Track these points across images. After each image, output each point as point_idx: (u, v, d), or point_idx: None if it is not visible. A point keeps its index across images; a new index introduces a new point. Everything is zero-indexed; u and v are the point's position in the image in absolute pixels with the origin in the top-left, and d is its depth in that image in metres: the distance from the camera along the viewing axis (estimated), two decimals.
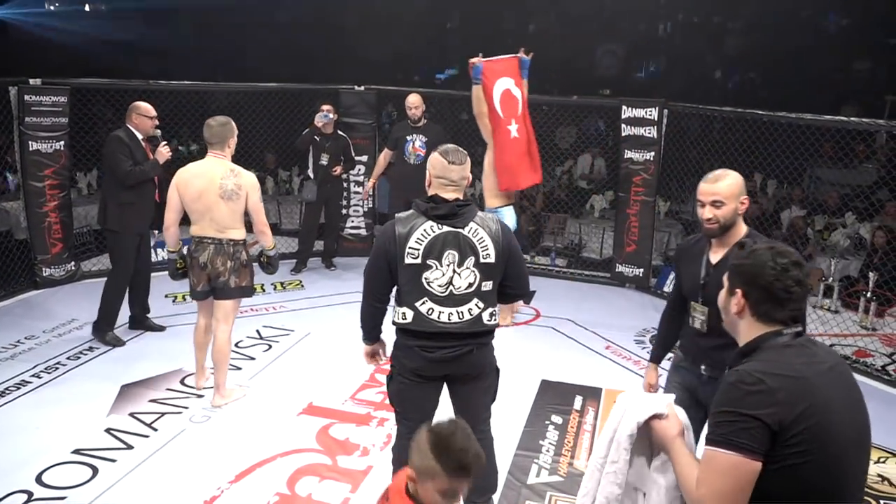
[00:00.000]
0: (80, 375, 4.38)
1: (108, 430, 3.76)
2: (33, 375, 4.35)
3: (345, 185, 6.93)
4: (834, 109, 8.89)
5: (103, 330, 4.81)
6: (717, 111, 6.04)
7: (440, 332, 2.66)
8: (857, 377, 1.71)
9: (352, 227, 7.18)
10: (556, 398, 4.28)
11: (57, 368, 4.45)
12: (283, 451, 3.54)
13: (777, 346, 1.58)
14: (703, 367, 2.61)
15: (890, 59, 12.03)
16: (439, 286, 2.65)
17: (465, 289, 2.66)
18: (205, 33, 12.74)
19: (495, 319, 2.74)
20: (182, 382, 4.32)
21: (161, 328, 5.10)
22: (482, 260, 2.66)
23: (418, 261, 2.63)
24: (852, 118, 5.37)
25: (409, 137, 6.02)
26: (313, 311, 5.63)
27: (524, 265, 2.83)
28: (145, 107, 4.73)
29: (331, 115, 6.26)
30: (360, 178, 7.02)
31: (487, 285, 2.69)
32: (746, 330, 1.64)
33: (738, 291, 1.64)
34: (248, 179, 3.88)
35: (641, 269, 6.32)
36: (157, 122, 4.78)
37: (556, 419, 4.05)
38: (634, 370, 4.72)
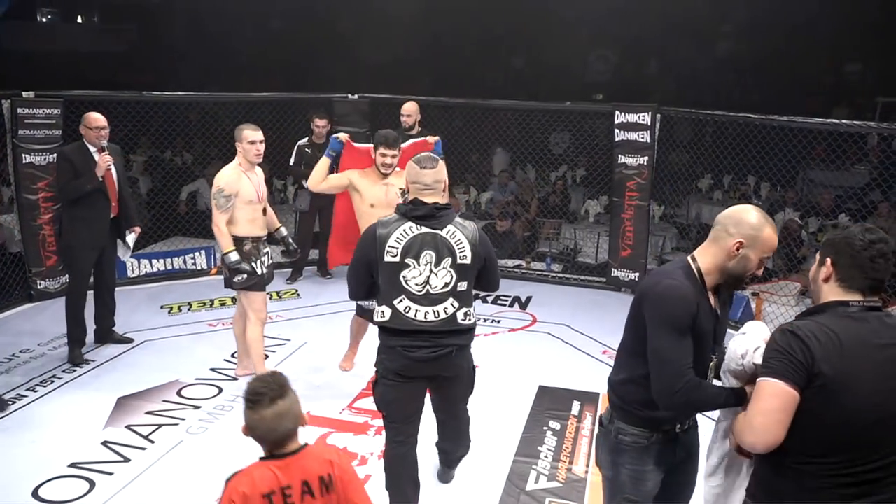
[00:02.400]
0: (75, 388, 4.37)
1: (104, 443, 3.75)
2: (28, 389, 4.33)
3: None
4: (825, 112, 8.96)
5: (71, 347, 4.76)
6: (709, 115, 6.07)
7: (417, 331, 2.77)
8: None
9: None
10: (553, 404, 4.29)
11: (52, 382, 4.44)
12: None
13: (837, 314, 1.79)
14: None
15: (880, 62, 12.12)
16: (416, 285, 2.77)
17: (441, 288, 2.78)
18: (197, 43, 12.75)
19: (470, 319, 2.85)
20: (179, 394, 4.31)
21: (128, 340, 5.02)
22: (459, 261, 2.79)
23: (397, 259, 2.76)
24: (844, 120, 5.41)
25: (402, 145, 6.02)
26: (310, 321, 5.63)
27: (497, 269, 3.00)
28: (91, 118, 4.63)
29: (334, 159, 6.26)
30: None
31: (462, 286, 2.81)
32: (826, 294, 1.86)
33: (828, 260, 1.85)
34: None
35: (637, 274, 6.34)
36: (104, 133, 4.62)
37: (554, 425, 4.05)
38: None
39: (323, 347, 5.05)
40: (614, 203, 6.48)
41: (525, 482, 3.49)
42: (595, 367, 4.84)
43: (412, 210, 2.81)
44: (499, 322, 5.70)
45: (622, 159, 6.26)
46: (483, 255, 2.85)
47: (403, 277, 2.76)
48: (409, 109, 6.03)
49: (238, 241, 4.08)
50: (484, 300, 6.14)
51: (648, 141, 6.10)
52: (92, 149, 4.62)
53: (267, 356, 4.88)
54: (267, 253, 4.24)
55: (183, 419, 4.01)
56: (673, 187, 7.50)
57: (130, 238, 4.85)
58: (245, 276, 4.05)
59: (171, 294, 6.08)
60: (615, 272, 6.49)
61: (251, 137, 4.08)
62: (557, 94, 10.10)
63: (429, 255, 2.77)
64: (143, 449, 3.70)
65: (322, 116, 6.38)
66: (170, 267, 6.55)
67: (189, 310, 5.75)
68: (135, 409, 4.12)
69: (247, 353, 4.43)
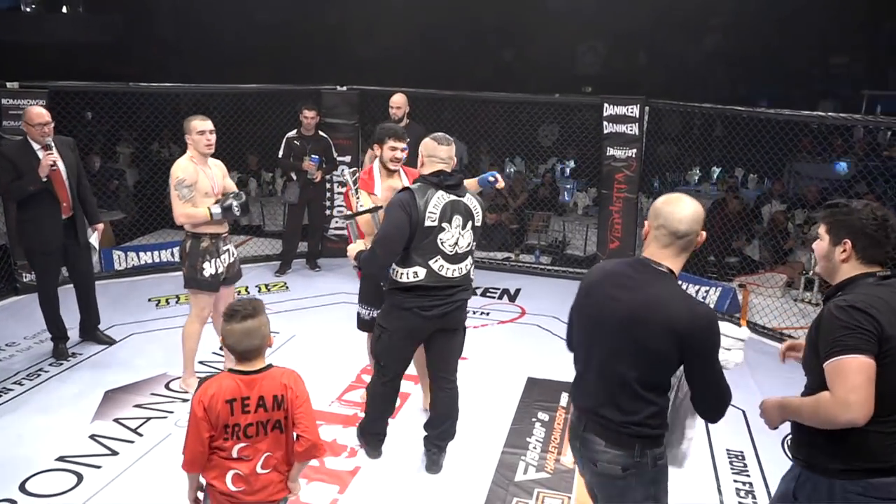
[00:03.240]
0: (62, 382, 4.34)
1: (92, 437, 3.73)
2: (15, 383, 4.30)
3: (328, 185, 6.91)
4: (812, 105, 9.01)
5: (54, 343, 4.70)
6: (697, 107, 6.09)
7: (445, 286, 3.15)
8: None
9: (336, 228, 7.16)
10: (542, 395, 4.31)
11: (39, 375, 4.41)
12: None
13: (868, 283, 1.98)
14: None
15: (866, 55, 12.20)
16: (449, 246, 3.14)
17: (466, 248, 3.20)
18: (185, 34, 12.63)
19: (474, 275, 3.33)
20: (167, 387, 4.29)
21: (110, 341, 4.89)
22: (476, 224, 3.22)
23: (435, 223, 3.09)
24: (830, 113, 5.46)
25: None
26: (298, 313, 5.62)
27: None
28: (33, 113, 4.35)
29: (320, 164, 6.22)
30: (343, 179, 7.00)
31: (474, 246, 3.26)
32: (847, 271, 2.03)
33: (847, 241, 2.01)
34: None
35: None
36: (48, 130, 4.33)
37: (543, 416, 4.07)
38: None
39: (312, 340, 5.04)
40: (603, 195, 6.50)
41: (514, 473, 3.50)
42: None
43: (444, 180, 3.13)
44: (488, 314, 5.71)
45: (611, 152, 6.27)
46: (485, 218, 3.35)
47: (440, 240, 3.11)
48: (398, 101, 6.01)
49: (196, 237, 3.98)
50: (472, 292, 6.15)
51: (637, 133, 6.12)
52: (36, 146, 4.35)
53: None
54: (228, 250, 4.12)
55: (171, 412, 3.99)
56: (661, 179, 7.53)
57: (93, 238, 4.64)
58: (238, 204, 3.97)
59: (159, 287, 6.04)
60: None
61: (200, 127, 3.93)
62: (546, 86, 10.11)
63: (458, 219, 3.15)
64: (132, 442, 3.69)
65: (311, 108, 6.35)
66: (157, 259, 6.51)
67: (177, 302, 5.73)
68: (123, 402, 4.10)
69: None
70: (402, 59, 12.49)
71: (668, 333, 1.96)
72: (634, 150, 6.15)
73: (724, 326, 2.18)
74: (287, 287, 6.24)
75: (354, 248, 3.32)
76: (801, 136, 5.73)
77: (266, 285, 6.21)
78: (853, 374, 1.85)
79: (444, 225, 3.11)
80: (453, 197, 3.14)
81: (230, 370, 2.32)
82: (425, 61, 12.54)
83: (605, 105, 6.24)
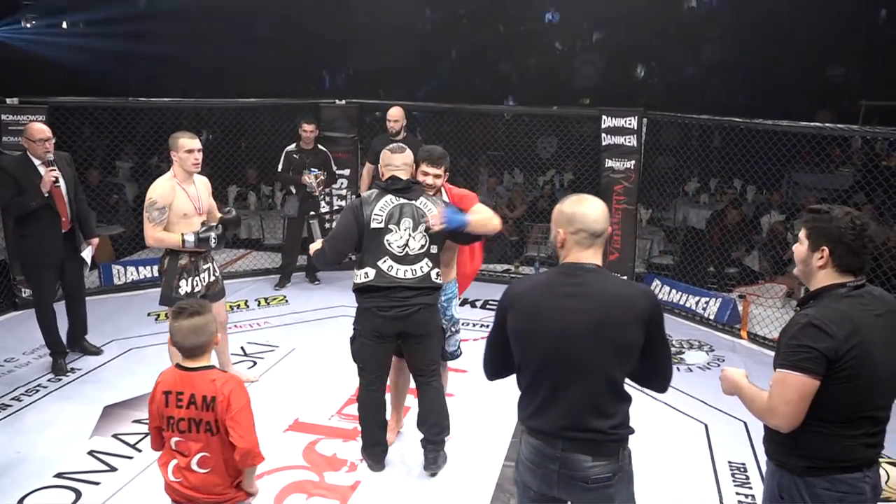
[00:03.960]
0: (61, 397, 4.33)
1: (91, 453, 3.71)
2: (13, 399, 4.29)
3: (327, 199, 6.92)
4: (810, 115, 9.03)
5: (53, 359, 4.69)
6: (695, 119, 6.12)
7: (397, 287, 3.23)
8: None
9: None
10: None
11: (38, 391, 4.39)
12: (270, 468, 3.51)
13: (837, 295, 2.04)
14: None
15: (863, 65, 12.25)
16: (398, 247, 3.25)
17: (418, 250, 3.28)
18: (184, 49, 12.70)
19: (440, 279, 3.35)
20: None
21: (97, 351, 4.91)
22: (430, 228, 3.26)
23: (381, 225, 3.25)
24: (827, 124, 5.47)
25: None
26: (298, 327, 5.61)
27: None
28: (35, 129, 4.39)
29: (320, 176, 6.23)
30: (343, 192, 7.02)
31: (434, 248, 3.31)
32: (822, 279, 2.09)
33: (825, 249, 2.06)
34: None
35: (625, 277, 6.35)
36: (49, 146, 4.37)
37: None
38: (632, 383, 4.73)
39: (311, 354, 5.03)
40: None
41: (515, 487, 3.48)
42: None
43: (391, 185, 3.31)
44: (487, 326, 5.70)
45: (609, 163, 6.29)
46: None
47: (387, 241, 3.25)
48: (396, 115, 6.03)
49: (174, 254, 3.95)
50: (472, 304, 6.14)
51: (635, 145, 6.14)
52: (37, 162, 4.37)
53: (255, 363, 4.86)
54: (208, 269, 4.09)
55: None
56: (660, 191, 7.55)
57: (86, 252, 4.67)
58: (215, 236, 3.94)
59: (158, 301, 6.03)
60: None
61: (188, 146, 3.88)
62: (544, 98, 10.15)
63: (407, 222, 3.26)
64: (130, 458, 3.67)
65: (310, 122, 6.37)
66: (157, 274, 6.42)
67: None
68: (121, 417, 4.08)
69: (228, 361, 4.42)
70: (400, 72, 12.56)
71: (637, 322, 2.05)
72: (633, 162, 6.17)
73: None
74: (286, 301, 6.23)
75: (314, 246, 3.48)
76: (799, 147, 5.74)
77: (265, 299, 6.21)
78: (790, 389, 2.00)
79: (390, 227, 3.25)
80: (402, 200, 3.29)
81: (176, 364, 2.44)
82: (425, 75, 12.60)
83: (604, 117, 6.27)
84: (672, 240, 7.68)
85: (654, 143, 6.46)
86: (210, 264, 4.12)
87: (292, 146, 6.42)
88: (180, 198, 3.91)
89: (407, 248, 3.26)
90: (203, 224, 4.02)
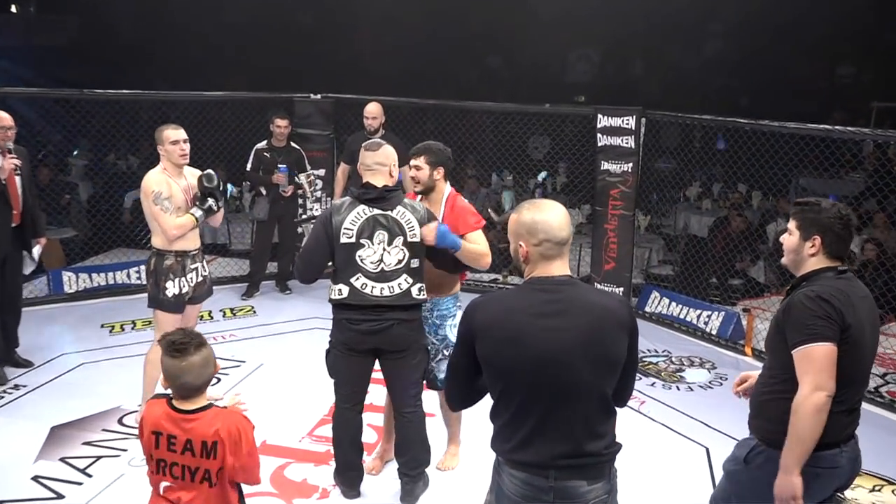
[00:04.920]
0: (3, 417, 4.25)
1: (35, 478, 3.65)
2: None
3: (300, 201, 6.89)
4: (818, 117, 9.15)
5: None
6: (697, 119, 6.16)
7: (373, 305, 3.19)
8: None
9: None
10: None
11: None
12: None
13: (829, 277, 2.38)
14: None
15: (875, 64, 12.42)
16: (371, 263, 3.19)
17: (395, 265, 3.20)
18: (145, 37, 12.61)
19: (423, 294, 3.28)
20: (121, 422, 4.23)
21: (27, 364, 4.85)
22: (409, 239, 3.21)
23: (352, 240, 3.18)
24: (837, 126, 5.53)
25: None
26: (267, 340, 5.57)
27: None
28: None
29: (311, 175, 6.24)
30: (318, 194, 6.99)
31: (415, 262, 3.23)
32: (813, 264, 2.41)
33: (818, 237, 2.39)
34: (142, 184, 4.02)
35: (621, 288, 6.38)
36: (10, 134, 4.50)
37: None
38: (630, 405, 4.72)
39: (281, 369, 5.00)
40: (597, 213, 6.53)
41: None
42: None
43: (363, 194, 3.22)
44: None
45: (605, 166, 6.32)
46: None
47: (359, 257, 3.18)
48: (373, 111, 6.02)
49: (160, 255, 3.98)
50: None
51: (633, 146, 6.17)
52: None
53: (219, 380, 4.81)
54: (196, 269, 4.09)
55: (125, 450, 3.92)
56: (659, 196, 7.60)
57: (36, 250, 4.73)
58: (213, 203, 4.02)
59: (113, 312, 5.96)
60: (598, 286, 6.53)
61: (174, 137, 3.96)
62: (536, 95, 10.19)
63: (381, 235, 3.19)
64: (80, 484, 3.61)
65: (283, 117, 6.35)
66: (112, 282, 6.43)
67: (133, 328, 5.65)
68: (71, 439, 4.02)
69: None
70: (381, 65, 12.55)
71: (622, 333, 2.08)
72: (630, 165, 6.20)
73: None
74: (254, 311, 6.19)
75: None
76: (807, 151, 5.80)
77: (231, 309, 6.16)
78: (821, 359, 2.26)
79: (362, 241, 3.18)
80: (377, 211, 3.19)
81: (169, 399, 2.31)
82: (407, 68, 12.60)
83: (599, 116, 6.30)
84: (672, 248, 7.72)
85: (654, 144, 6.50)
86: (198, 264, 4.14)
87: (263, 143, 6.39)
88: (174, 191, 3.96)
89: (382, 264, 3.19)
90: (196, 199, 4.07)
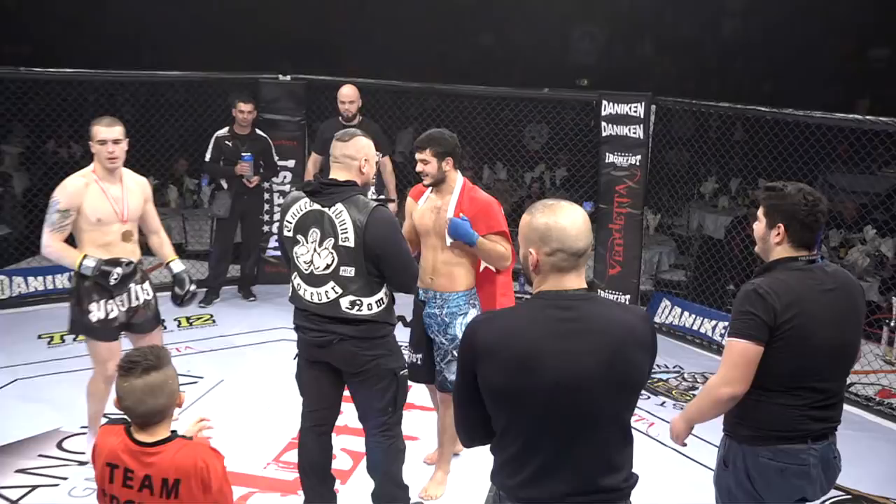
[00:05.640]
0: None
1: None
2: None
3: (266, 196, 6.87)
4: (848, 105, 9.23)
5: None
6: (713, 107, 6.20)
7: (308, 311, 3.23)
8: (882, 422, 2.85)
9: (275, 248, 7.10)
10: None
11: None
12: None
13: (788, 268, 2.58)
14: None
15: None
16: (304, 262, 3.21)
17: (323, 269, 3.18)
18: (91, 9, 12.53)
19: (360, 310, 3.16)
20: (60, 446, 4.20)
21: None
22: (340, 243, 3.13)
23: (290, 234, 3.23)
24: (869, 116, 5.57)
25: None
26: (227, 353, 5.56)
27: (403, 259, 3.21)
28: None
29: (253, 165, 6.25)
30: (286, 188, 6.97)
31: (347, 270, 3.14)
32: (779, 253, 2.61)
33: (781, 226, 2.58)
34: None
35: (628, 296, 6.42)
36: None
37: None
38: (638, 427, 4.74)
39: (244, 387, 4.99)
40: (601, 211, 6.55)
41: None
42: None
43: (305, 185, 3.32)
44: None
45: (610, 158, 6.35)
46: (374, 244, 3.10)
47: (296, 254, 3.23)
48: (349, 95, 6.02)
49: (79, 278, 3.81)
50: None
51: (642, 137, 6.20)
52: None
53: None
54: (130, 290, 3.91)
55: (64, 478, 3.90)
56: (671, 192, 7.63)
57: None
58: (119, 270, 3.77)
59: (52, 320, 5.90)
60: (601, 294, 6.55)
61: (101, 135, 3.77)
62: (533, 78, 10.22)
63: (315, 233, 3.18)
64: None
65: (247, 101, 6.34)
66: (51, 286, 6.39)
67: (74, 339, 5.61)
68: (1, 466, 3.99)
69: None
70: (359, 43, 12.54)
71: (644, 352, 2.09)
72: (639, 157, 6.23)
73: None
74: (214, 321, 6.18)
75: None
76: (835, 143, 5.85)
77: (188, 318, 6.13)
78: (736, 355, 2.52)
79: (298, 237, 3.22)
80: (316, 207, 3.18)
81: (127, 426, 2.28)
82: (387, 47, 12.60)
83: (604, 102, 6.33)
84: (685, 251, 7.76)
85: (665, 134, 6.54)
86: (137, 286, 3.94)
87: (224, 131, 6.38)
88: (94, 199, 3.78)
89: (312, 266, 3.19)
90: (125, 237, 3.87)
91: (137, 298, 3.95)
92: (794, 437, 2.56)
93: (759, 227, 2.67)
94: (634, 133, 6.23)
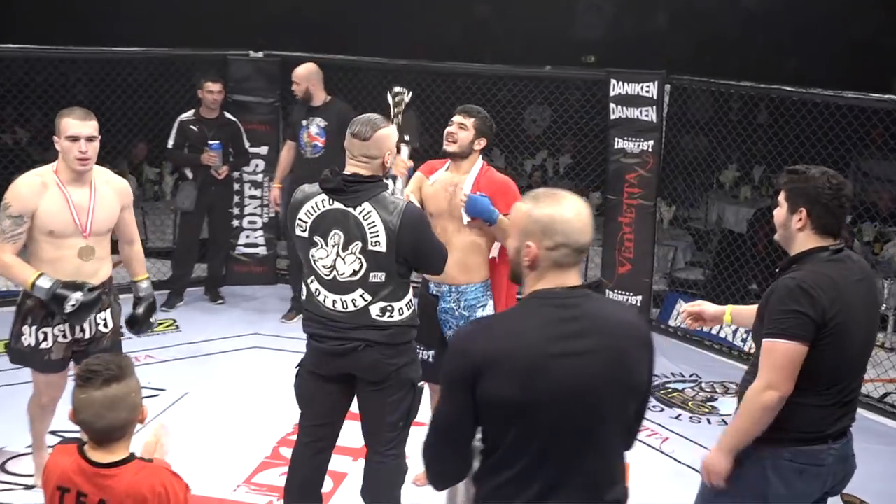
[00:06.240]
0: None
1: None
2: None
3: (236, 186, 6.85)
4: (883, 84, 9.24)
5: None
6: (734, 87, 6.21)
7: (327, 318, 3.21)
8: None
9: (246, 245, 7.09)
10: None
11: None
12: None
13: (821, 259, 2.64)
14: None
15: None
16: (324, 267, 3.18)
17: (349, 276, 3.15)
18: None
19: (391, 316, 3.20)
20: (3, 469, 4.19)
21: None
22: (370, 247, 3.11)
23: (305, 234, 3.19)
24: None
25: (303, 123, 5.99)
26: (192, 363, 5.54)
27: (436, 250, 3.30)
28: None
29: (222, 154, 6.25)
30: (258, 178, 6.96)
31: (378, 276, 3.13)
32: (803, 242, 2.68)
33: (803, 210, 2.64)
34: None
35: (640, 297, 6.43)
36: None
37: None
38: (650, 442, 4.71)
39: (211, 400, 4.98)
40: (609, 202, 6.57)
41: None
42: None
43: (325, 180, 3.18)
44: None
45: (620, 144, 6.36)
46: (408, 246, 3.14)
47: (313, 256, 3.20)
48: (298, 74, 6.00)
49: (24, 295, 3.63)
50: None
51: (654, 120, 6.21)
52: None
53: None
54: (79, 318, 3.65)
55: None
56: (687, 182, 7.65)
57: None
58: (79, 296, 3.50)
59: None
60: (610, 294, 6.55)
61: (73, 130, 3.48)
62: (534, 55, 10.20)
63: (337, 236, 3.14)
64: None
65: (216, 80, 6.32)
66: None
67: None
68: None
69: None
70: (338, 16, 12.51)
71: (644, 353, 2.14)
72: (651, 143, 6.24)
73: None
74: (177, 326, 6.17)
75: None
76: (869, 126, 5.87)
77: None
78: (782, 357, 2.57)
79: (315, 239, 3.18)
80: (337, 206, 3.13)
81: (81, 445, 2.27)
82: (371, 20, 12.57)
83: (613, 81, 6.33)
84: (703, 247, 7.78)
85: (680, 117, 6.54)
86: (96, 314, 3.72)
87: (188, 114, 6.37)
88: (51, 204, 3.52)
89: (335, 272, 3.16)
90: (82, 255, 3.62)
91: (90, 331, 3.74)
92: (817, 439, 2.65)
93: (779, 212, 2.73)
94: (646, 116, 6.24)
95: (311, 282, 3.23)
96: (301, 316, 3.45)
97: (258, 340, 5.79)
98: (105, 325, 3.82)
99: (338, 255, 3.14)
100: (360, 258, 3.13)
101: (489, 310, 3.88)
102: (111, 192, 3.75)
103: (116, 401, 2.20)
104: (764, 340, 2.62)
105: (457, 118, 3.88)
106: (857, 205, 7.95)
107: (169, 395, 5.02)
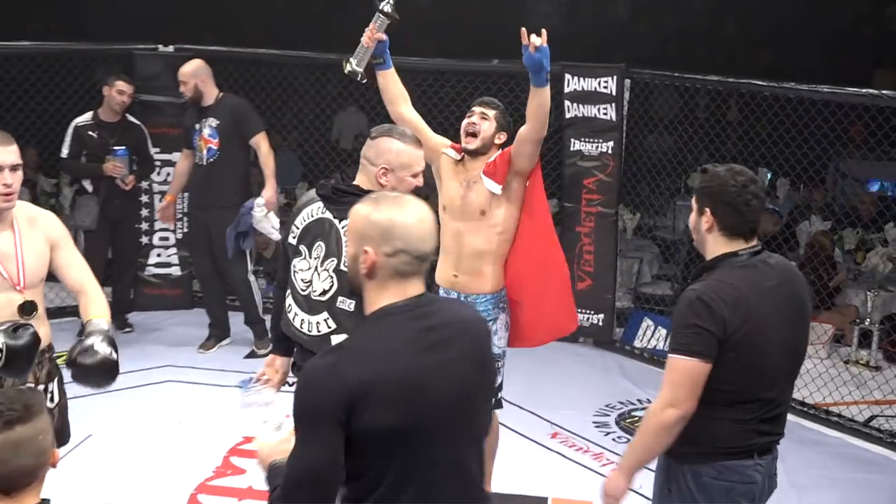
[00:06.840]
0: None
1: None
2: None
3: (144, 198, 6.78)
4: (863, 77, 9.45)
5: None
6: (700, 81, 6.30)
7: (295, 339, 3.21)
8: None
9: (157, 265, 7.01)
10: None
11: None
12: None
13: (732, 265, 2.72)
14: None
15: None
16: (302, 281, 3.18)
17: (319, 295, 3.14)
18: None
19: None
20: None
21: None
22: (342, 266, 3.04)
23: (294, 242, 3.21)
24: (885, 91, 5.67)
25: (196, 126, 5.96)
26: (97, 400, 5.42)
27: None
28: None
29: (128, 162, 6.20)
30: (167, 188, 6.89)
31: (347, 304, 3.07)
32: (713, 246, 2.77)
33: (707, 210, 2.74)
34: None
35: (601, 316, 6.47)
36: None
37: None
38: (594, 467, 4.82)
39: (118, 443, 4.92)
40: (565, 210, 6.60)
41: None
42: (541, 458, 4.92)
43: (321, 186, 3.26)
44: None
45: (576, 146, 6.41)
46: None
47: (294, 267, 3.20)
48: (182, 73, 5.98)
49: None
50: None
51: (614, 119, 6.27)
52: None
53: None
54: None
55: None
56: (652, 187, 7.72)
57: None
58: (6, 343, 2.95)
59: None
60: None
61: None
62: (480, 47, 10.24)
63: (320, 248, 3.14)
64: None
65: (128, 81, 6.26)
66: None
67: None
68: None
69: None
70: (258, 5, 12.46)
71: (490, 348, 2.38)
72: (611, 144, 6.30)
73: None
74: None
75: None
76: (847, 123, 5.99)
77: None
78: (682, 374, 2.65)
79: (301, 248, 3.19)
80: (328, 215, 3.15)
81: None
82: (296, 9, 12.55)
83: (567, 76, 6.38)
84: (670, 259, 7.86)
85: (643, 115, 6.62)
86: (30, 365, 3.18)
87: (85, 117, 6.29)
88: None
89: (310, 288, 3.15)
90: (23, 312, 3.18)
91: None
92: (740, 453, 2.72)
93: (691, 216, 2.84)
94: (605, 114, 6.30)
95: (287, 296, 3.24)
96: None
97: (173, 373, 5.72)
98: (52, 399, 3.44)
99: (316, 269, 3.15)
100: (332, 277, 3.11)
101: (501, 323, 3.89)
102: (34, 230, 3.27)
103: (22, 444, 2.15)
104: (668, 356, 2.72)
105: (477, 108, 3.99)
106: (837, 210, 8.14)
107: (71, 439, 4.92)
